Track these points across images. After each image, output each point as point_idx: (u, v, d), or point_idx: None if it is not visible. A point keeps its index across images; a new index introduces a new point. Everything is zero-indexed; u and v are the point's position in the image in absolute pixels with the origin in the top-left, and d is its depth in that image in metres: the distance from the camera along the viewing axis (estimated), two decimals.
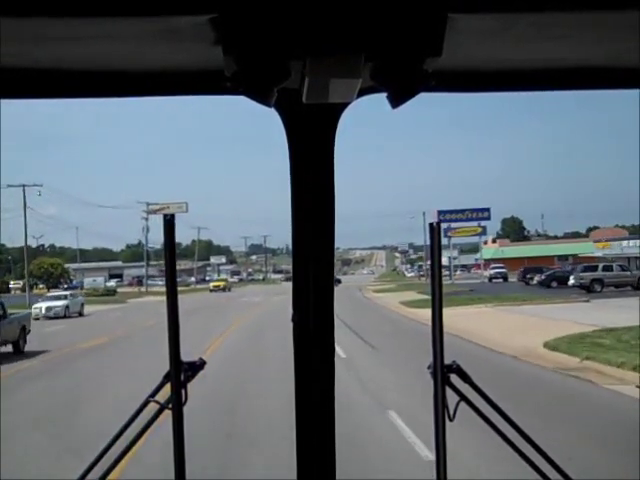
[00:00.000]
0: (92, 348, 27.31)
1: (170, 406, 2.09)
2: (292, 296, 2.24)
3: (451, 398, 2.12)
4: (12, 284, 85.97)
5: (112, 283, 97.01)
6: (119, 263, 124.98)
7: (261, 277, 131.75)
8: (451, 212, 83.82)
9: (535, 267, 70.82)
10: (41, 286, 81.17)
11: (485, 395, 2.18)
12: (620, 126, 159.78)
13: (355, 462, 9.82)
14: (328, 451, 2.27)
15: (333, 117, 2.19)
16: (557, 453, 2.29)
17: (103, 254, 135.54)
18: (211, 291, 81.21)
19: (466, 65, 2.13)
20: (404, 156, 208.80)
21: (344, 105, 2.16)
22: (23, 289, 68.35)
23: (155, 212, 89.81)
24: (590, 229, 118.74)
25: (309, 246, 2.23)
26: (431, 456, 7.33)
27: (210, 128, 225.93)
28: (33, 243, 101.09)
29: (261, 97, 1.87)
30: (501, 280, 75.07)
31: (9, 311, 28.21)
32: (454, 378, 2.15)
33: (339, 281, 67.06)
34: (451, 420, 2.09)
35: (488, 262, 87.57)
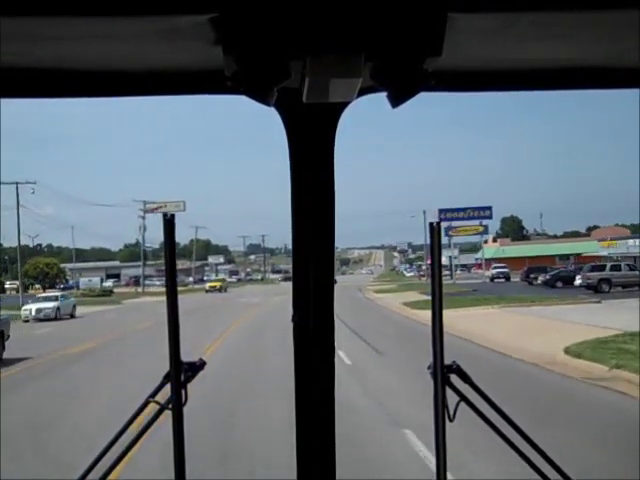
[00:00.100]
0: (78, 354, 25.62)
1: (170, 406, 2.09)
2: (292, 296, 2.25)
3: (451, 399, 2.12)
4: (8, 284, 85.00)
5: (109, 283, 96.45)
6: (116, 263, 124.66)
7: (259, 277, 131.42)
8: (452, 210, 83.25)
9: (539, 267, 70.26)
10: (37, 286, 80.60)
11: (485, 395, 2.18)
12: (619, 125, 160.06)
13: None
14: (328, 451, 2.28)
15: (333, 116, 2.20)
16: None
17: (101, 254, 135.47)
18: (207, 292, 78.59)
19: (466, 65, 2.14)
20: (404, 155, 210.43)
21: (344, 104, 2.17)
22: (18, 290, 66.96)
23: (152, 211, 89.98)
24: (590, 228, 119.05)
25: (309, 246, 2.24)
26: None
27: (210, 127, 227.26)
28: (29, 242, 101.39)
29: (261, 96, 1.87)
30: (503, 280, 74.38)
31: None
32: (454, 378, 2.14)
33: (335, 281, 66.03)
34: (451, 420, 2.09)
35: (489, 262, 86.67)
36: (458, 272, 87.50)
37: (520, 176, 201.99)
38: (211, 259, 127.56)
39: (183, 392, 2.10)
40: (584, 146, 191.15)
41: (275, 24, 1.69)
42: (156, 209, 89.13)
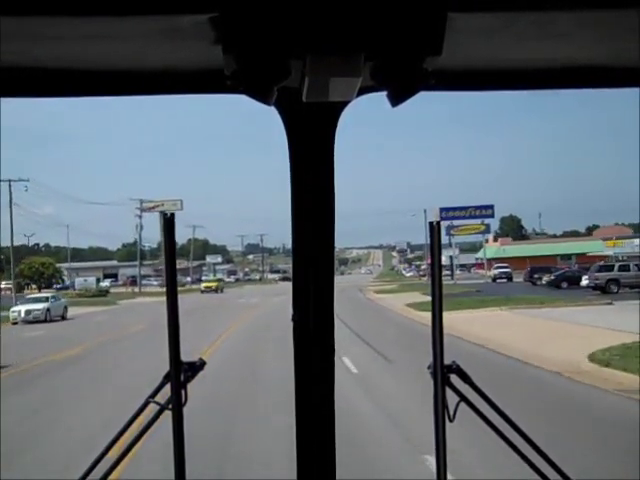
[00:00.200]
0: (62, 361, 23.87)
1: (170, 407, 2.10)
2: (292, 296, 2.25)
3: (451, 399, 2.12)
4: (4, 284, 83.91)
5: (106, 283, 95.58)
6: (114, 262, 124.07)
7: (258, 277, 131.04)
8: (454, 209, 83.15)
9: (542, 267, 69.69)
10: (34, 287, 79.53)
11: (485, 395, 2.18)
12: (619, 125, 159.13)
13: None
14: (328, 451, 2.28)
15: (333, 116, 2.21)
16: None
17: (99, 253, 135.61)
18: (202, 292, 75.83)
19: (466, 64, 2.14)
20: (403, 155, 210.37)
21: (344, 104, 2.18)
22: (15, 290, 65.81)
23: (149, 209, 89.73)
24: (590, 228, 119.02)
25: (309, 245, 2.25)
26: None
27: (209, 127, 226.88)
28: (25, 242, 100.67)
29: (261, 96, 1.88)
30: (505, 280, 73.48)
31: None
32: (454, 379, 2.15)
33: None
34: (451, 421, 2.10)
35: (490, 261, 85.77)
36: (458, 272, 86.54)
37: (520, 175, 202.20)
38: (209, 259, 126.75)
39: (183, 392, 2.10)
40: (584, 145, 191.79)
41: (275, 23, 1.70)
42: (153, 208, 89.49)
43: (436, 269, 2.12)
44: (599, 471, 9.26)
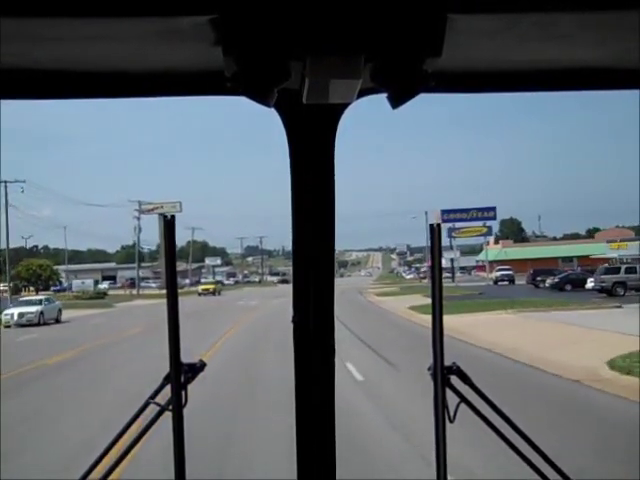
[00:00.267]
0: (52, 367, 22.79)
1: (170, 408, 2.10)
2: (292, 297, 2.25)
3: (451, 400, 2.11)
4: (1, 286, 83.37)
5: (104, 285, 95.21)
6: (112, 264, 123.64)
7: (257, 279, 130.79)
8: (455, 211, 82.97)
9: (545, 269, 69.23)
10: (32, 289, 78.93)
11: (485, 396, 2.20)
12: (619, 127, 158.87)
13: None
14: (328, 451, 2.28)
15: (333, 117, 2.21)
16: None
17: (98, 255, 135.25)
18: (200, 295, 73.87)
19: (466, 65, 2.14)
20: (403, 156, 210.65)
21: (344, 105, 2.18)
22: (12, 292, 65.29)
23: (148, 211, 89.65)
24: (590, 230, 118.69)
25: (309, 247, 2.25)
26: None
27: (209, 128, 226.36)
28: (23, 244, 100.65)
29: (261, 97, 1.87)
30: (507, 283, 73.03)
31: None
32: (454, 380, 2.15)
33: None
34: (451, 421, 2.10)
35: (492, 264, 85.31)
36: (458, 274, 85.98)
37: (520, 177, 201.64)
38: (208, 261, 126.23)
39: (183, 393, 2.09)
40: (584, 147, 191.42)
41: (275, 25, 1.70)
42: (152, 210, 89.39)
43: (436, 271, 2.13)
44: None
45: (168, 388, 2.09)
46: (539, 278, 64.27)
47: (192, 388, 2.09)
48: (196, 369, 2.12)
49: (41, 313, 41.83)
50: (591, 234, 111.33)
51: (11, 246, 68.60)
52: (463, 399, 2.13)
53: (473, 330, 25.73)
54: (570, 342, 22.83)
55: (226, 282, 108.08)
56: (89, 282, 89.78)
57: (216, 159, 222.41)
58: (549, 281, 60.32)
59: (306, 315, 2.22)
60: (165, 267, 2.06)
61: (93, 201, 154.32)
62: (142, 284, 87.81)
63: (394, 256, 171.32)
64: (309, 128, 2.18)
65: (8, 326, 39.91)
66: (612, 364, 17.67)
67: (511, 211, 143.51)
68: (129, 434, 2.18)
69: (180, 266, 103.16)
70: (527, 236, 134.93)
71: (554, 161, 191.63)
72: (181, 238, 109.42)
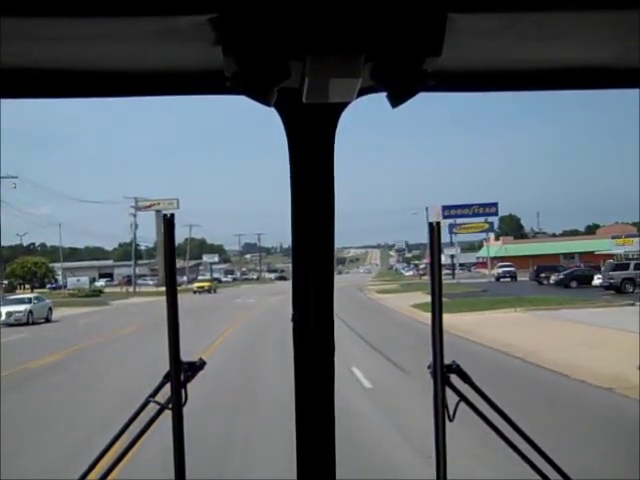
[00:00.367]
0: (36, 371, 21.31)
1: (170, 406, 2.10)
2: (292, 296, 2.25)
3: (451, 399, 2.10)
4: None
5: (101, 283, 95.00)
6: (109, 262, 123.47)
7: (255, 276, 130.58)
8: (456, 207, 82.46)
9: (549, 266, 68.99)
10: (27, 286, 78.15)
11: (485, 395, 2.19)
12: (619, 125, 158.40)
13: None
14: (328, 451, 2.28)
15: (333, 117, 2.22)
16: None
17: (95, 253, 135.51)
18: (195, 292, 72.43)
19: (466, 65, 2.15)
20: (403, 155, 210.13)
21: (344, 105, 2.19)
22: (6, 290, 64.35)
23: (145, 208, 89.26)
24: (590, 226, 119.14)
25: (309, 245, 2.26)
26: None
27: (208, 127, 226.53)
28: (19, 241, 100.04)
29: (261, 97, 1.88)
30: (509, 279, 72.55)
31: None
32: (454, 378, 2.16)
33: None
34: (451, 420, 2.10)
35: (492, 260, 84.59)
36: (458, 271, 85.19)
37: (519, 175, 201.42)
38: (206, 258, 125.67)
39: (183, 392, 2.10)
40: (584, 145, 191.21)
41: (275, 24, 1.70)
42: (149, 206, 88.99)
43: (436, 269, 2.13)
44: None
45: (168, 386, 2.09)
46: (543, 275, 63.90)
47: (192, 387, 2.06)
48: (196, 367, 2.14)
49: (30, 312, 40.63)
50: (590, 231, 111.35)
51: (8, 244, 67.71)
52: (463, 398, 2.14)
53: (483, 330, 24.53)
54: (590, 344, 21.63)
55: (224, 279, 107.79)
56: (84, 280, 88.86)
57: (215, 158, 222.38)
58: (554, 278, 59.93)
59: (306, 314, 2.22)
60: (165, 265, 2.06)
61: (92, 199, 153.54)
62: (139, 281, 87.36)
63: (392, 253, 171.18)
64: (309, 127, 2.19)
65: None
66: None
67: (510, 208, 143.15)
68: (129, 433, 2.18)
69: (177, 263, 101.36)
70: (526, 233, 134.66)
71: (554, 159, 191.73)
72: (179, 235, 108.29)
